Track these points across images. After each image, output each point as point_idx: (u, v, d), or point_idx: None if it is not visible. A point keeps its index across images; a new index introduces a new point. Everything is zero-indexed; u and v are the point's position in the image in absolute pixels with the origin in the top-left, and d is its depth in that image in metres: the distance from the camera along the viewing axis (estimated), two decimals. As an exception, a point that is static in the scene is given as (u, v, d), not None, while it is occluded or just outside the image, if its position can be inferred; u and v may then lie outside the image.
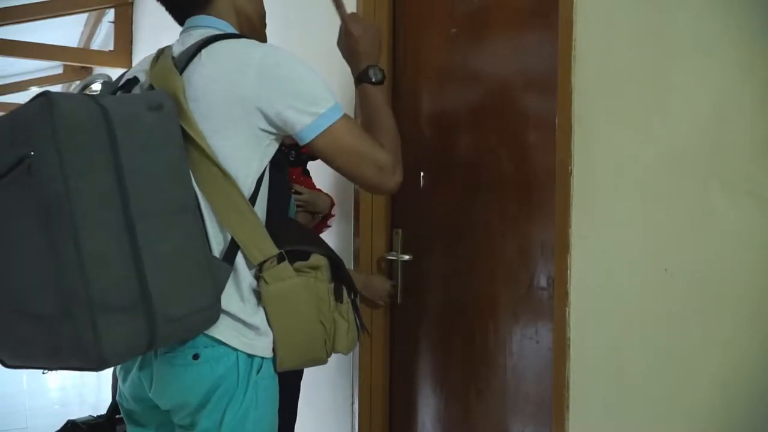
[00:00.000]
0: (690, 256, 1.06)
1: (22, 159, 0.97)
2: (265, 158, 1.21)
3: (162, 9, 1.34)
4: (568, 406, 1.25)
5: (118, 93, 1.24)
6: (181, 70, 1.17)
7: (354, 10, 1.93)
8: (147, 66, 1.25)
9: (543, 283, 1.42)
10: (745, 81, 0.98)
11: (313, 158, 1.36)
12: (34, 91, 6.61)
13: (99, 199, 0.99)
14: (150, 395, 1.24)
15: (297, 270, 1.21)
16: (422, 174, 1.81)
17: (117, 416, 1.41)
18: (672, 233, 1.08)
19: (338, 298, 1.27)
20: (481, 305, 1.60)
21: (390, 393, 1.96)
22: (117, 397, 1.36)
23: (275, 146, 1.23)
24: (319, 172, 1.95)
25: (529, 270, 1.46)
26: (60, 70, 6.89)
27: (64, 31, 5.83)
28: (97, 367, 0.99)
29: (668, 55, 1.09)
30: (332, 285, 1.26)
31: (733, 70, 1.00)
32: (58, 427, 1.55)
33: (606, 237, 1.19)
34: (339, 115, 1.19)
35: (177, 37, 1.30)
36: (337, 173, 1.26)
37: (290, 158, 1.81)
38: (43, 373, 1.15)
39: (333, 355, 1.29)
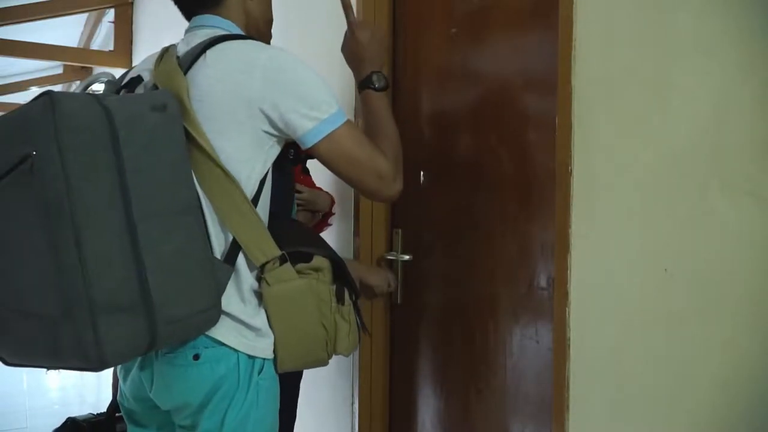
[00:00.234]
0: (690, 256, 1.06)
1: (25, 158, 0.97)
2: (268, 160, 1.21)
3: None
4: (568, 406, 1.25)
5: (122, 92, 1.24)
6: (186, 70, 1.17)
7: (354, 10, 1.93)
8: (151, 65, 1.24)
9: (543, 283, 1.42)
10: (745, 81, 0.99)
11: (312, 156, 1.36)
12: (34, 91, 6.61)
13: (101, 199, 0.99)
14: (150, 395, 1.24)
15: (299, 271, 1.21)
16: (422, 174, 1.81)
17: (117, 414, 1.41)
18: (672, 233, 1.08)
19: (340, 299, 1.26)
20: (481, 305, 1.60)
21: (390, 393, 1.96)
22: (118, 397, 1.36)
23: (278, 148, 1.22)
24: (319, 171, 1.95)
25: (529, 270, 1.46)
26: (60, 70, 6.90)
27: (64, 31, 5.84)
28: (98, 367, 0.99)
29: (668, 55, 1.09)
30: (334, 287, 1.26)
31: (733, 70, 1.00)
32: (59, 427, 1.56)
33: (606, 237, 1.19)
34: (342, 121, 1.19)
35: (178, 36, 1.29)
36: None
37: (289, 156, 1.81)
38: (46, 372, 1.14)
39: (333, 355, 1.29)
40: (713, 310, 1.03)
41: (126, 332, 1.00)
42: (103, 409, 1.55)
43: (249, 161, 1.18)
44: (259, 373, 1.20)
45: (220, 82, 1.16)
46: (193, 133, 1.13)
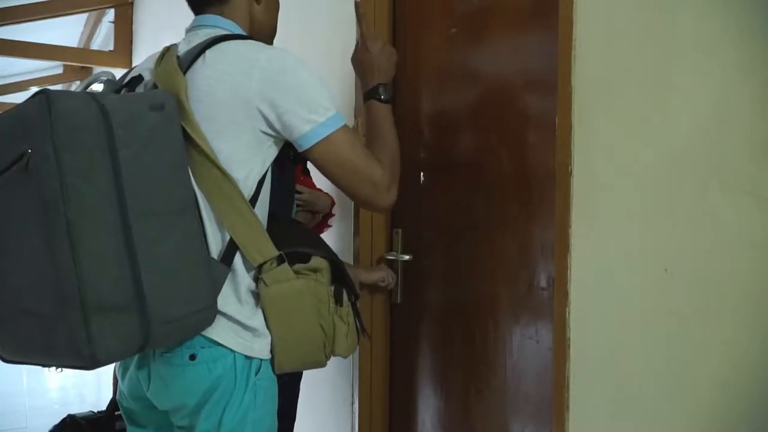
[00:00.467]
0: (690, 256, 1.06)
1: (21, 156, 0.98)
2: (266, 160, 1.21)
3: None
4: (568, 406, 1.25)
5: (123, 91, 1.24)
6: (185, 70, 1.17)
7: (354, 10, 1.93)
8: (152, 64, 1.24)
9: (543, 283, 1.42)
10: (745, 81, 0.98)
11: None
12: (34, 91, 6.59)
13: (96, 198, 0.99)
14: (148, 395, 1.23)
15: (297, 272, 1.21)
16: (422, 174, 1.81)
17: (117, 412, 1.41)
18: (672, 233, 1.08)
19: (338, 301, 1.26)
20: (481, 305, 1.60)
21: (390, 393, 1.96)
22: (117, 396, 1.36)
23: (277, 149, 1.22)
24: (319, 172, 1.95)
25: (529, 270, 1.46)
26: (60, 70, 6.89)
27: (64, 31, 5.84)
28: (90, 365, 0.99)
29: (668, 55, 1.09)
30: (332, 288, 1.26)
31: (733, 70, 1.00)
32: (59, 427, 1.56)
33: (606, 237, 1.19)
34: (339, 125, 1.18)
35: (178, 36, 1.29)
36: None
37: (290, 156, 1.81)
38: (52, 370, 1.15)
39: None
40: (713, 310, 1.03)
41: (119, 331, 1.00)
42: (103, 408, 1.56)
43: (247, 162, 1.18)
44: (257, 373, 1.20)
45: (219, 82, 1.15)
46: (192, 133, 1.13)
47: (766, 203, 0.96)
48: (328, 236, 1.96)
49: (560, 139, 1.26)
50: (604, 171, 1.20)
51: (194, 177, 1.15)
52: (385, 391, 1.96)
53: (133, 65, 1.34)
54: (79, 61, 5.96)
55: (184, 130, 1.12)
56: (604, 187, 1.20)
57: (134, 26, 5.39)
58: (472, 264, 1.63)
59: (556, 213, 1.28)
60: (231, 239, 1.17)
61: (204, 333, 1.16)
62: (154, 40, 4.18)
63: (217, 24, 1.26)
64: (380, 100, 1.34)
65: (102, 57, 5.65)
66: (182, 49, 1.23)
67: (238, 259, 1.19)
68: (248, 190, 1.19)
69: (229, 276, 1.18)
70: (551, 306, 1.32)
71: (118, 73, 1.22)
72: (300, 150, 1.20)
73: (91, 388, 4.80)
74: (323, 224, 1.97)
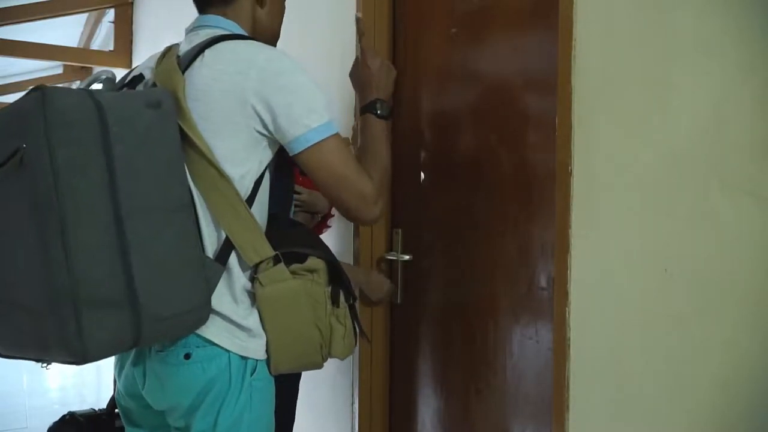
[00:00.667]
0: (690, 256, 1.06)
1: (16, 151, 0.98)
2: (263, 161, 1.21)
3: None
4: (568, 406, 1.25)
5: (124, 89, 1.24)
6: (184, 69, 1.17)
7: (354, 10, 1.93)
8: (153, 63, 1.25)
9: (543, 283, 1.42)
10: (745, 81, 0.98)
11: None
12: (34, 90, 6.58)
13: (89, 194, 0.99)
14: (143, 393, 1.23)
15: (293, 272, 1.20)
16: (422, 174, 1.81)
17: (116, 410, 1.41)
18: (672, 233, 1.08)
19: (335, 302, 1.25)
20: (481, 305, 1.60)
21: (390, 393, 1.96)
22: (115, 395, 1.36)
23: (273, 149, 1.22)
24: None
25: (529, 270, 1.46)
26: (60, 70, 6.89)
27: (64, 31, 5.84)
28: (80, 360, 0.99)
29: (668, 55, 1.09)
30: (329, 289, 1.25)
31: (733, 70, 1.00)
32: (59, 427, 1.56)
33: (606, 237, 1.19)
34: (331, 133, 1.18)
35: (178, 36, 1.30)
36: None
37: (288, 156, 1.81)
38: (45, 367, 1.15)
39: (332, 355, 1.28)
40: (713, 310, 1.03)
41: (110, 326, 1.00)
42: (104, 407, 1.56)
43: (244, 161, 1.18)
44: (252, 374, 1.20)
45: (217, 82, 1.16)
46: (189, 132, 1.13)
47: (766, 203, 0.96)
48: (327, 237, 1.96)
49: (560, 139, 1.26)
50: (604, 171, 1.20)
51: (191, 175, 1.15)
52: (385, 391, 1.96)
53: (134, 65, 1.34)
54: (79, 61, 5.96)
55: (181, 129, 1.12)
56: (604, 187, 1.20)
57: (134, 26, 5.39)
58: (472, 264, 1.63)
59: (556, 213, 1.28)
60: (227, 238, 1.17)
61: (199, 332, 1.16)
62: (154, 40, 4.18)
63: (219, 24, 1.26)
64: (377, 115, 1.34)
65: (102, 57, 5.65)
66: (183, 49, 1.23)
67: (233, 259, 1.18)
68: (245, 190, 1.19)
69: (225, 275, 1.18)
70: (551, 306, 1.32)
71: (119, 73, 1.22)
72: (291, 153, 1.19)
73: (92, 388, 4.80)
74: (323, 225, 1.97)
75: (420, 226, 1.84)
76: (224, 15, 1.27)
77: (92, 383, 4.84)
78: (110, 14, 5.53)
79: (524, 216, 1.48)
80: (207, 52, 1.18)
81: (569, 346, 1.25)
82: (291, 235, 1.28)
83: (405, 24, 1.90)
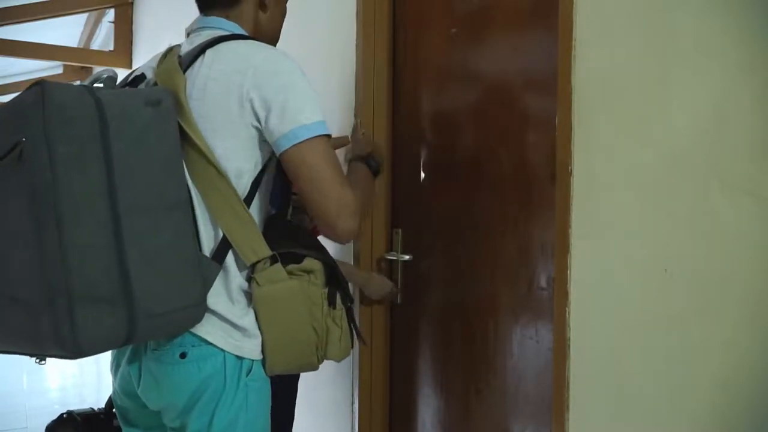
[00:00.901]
0: (690, 256, 1.06)
1: (15, 146, 0.98)
2: (261, 161, 1.21)
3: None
4: (568, 406, 1.25)
5: (125, 88, 1.25)
6: (185, 69, 1.17)
7: (354, 10, 1.94)
8: (155, 63, 1.26)
9: (543, 283, 1.42)
10: (745, 81, 0.98)
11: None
12: (34, 90, 6.58)
13: (86, 190, 0.99)
14: (138, 392, 1.23)
15: (290, 273, 1.20)
16: (422, 174, 1.81)
17: (114, 410, 1.41)
18: (672, 233, 1.08)
19: (332, 303, 1.24)
20: (481, 305, 1.60)
21: (390, 393, 1.96)
22: (112, 394, 1.35)
23: (271, 150, 1.22)
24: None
25: (529, 270, 1.46)
26: (60, 70, 6.88)
27: (64, 31, 5.83)
28: (73, 354, 0.99)
29: (668, 55, 1.09)
30: (326, 290, 1.24)
31: (733, 70, 1.00)
32: (58, 427, 1.56)
33: (606, 237, 1.19)
34: (320, 132, 1.16)
35: (178, 36, 1.30)
36: None
37: None
38: (39, 362, 1.15)
39: (332, 356, 1.28)
40: (713, 310, 1.03)
41: (104, 322, 1.00)
42: (103, 407, 1.56)
43: (242, 161, 1.18)
44: (248, 374, 1.19)
45: (217, 81, 1.16)
46: (188, 131, 1.13)
47: (766, 203, 0.96)
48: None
49: (560, 139, 1.26)
50: (604, 171, 1.19)
51: (190, 174, 1.15)
52: (385, 391, 1.96)
53: (134, 65, 1.34)
54: (79, 61, 5.96)
55: (181, 128, 1.13)
56: (604, 187, 1.20)
57: (134, 26, 5.39)
58: (472, 264, 1.63)
59: (556, 213, 1.28)
60: (224, 237, 1.17)
61: (194, 331, 1.15)
62: (154, 40, 4.18)
63: (220, 26, 1.26)
64: (368, 165, 1.39)
65: (102, 57, 5.64)
66: (184, 49, 1.24)
67: (230, 258, 1.18)
68: (243, 189, 1.19)
69: (221, 274, 1.18)
70: (551, 306, 1.32)
71: (119, 73, 1.22)
72: (278, 151, 1.17)
73: (91, 388, 4.80)
74: (323, 225, 1.97)
75: (420, 226, 1.84)
76: (226, 17, 1.28)
77: (92, 383, 4.84)
78: (110, 14, 5.53)
79: (524, 216, 1.48)
80: (208, 52, 1.18)
81: (569, 346, 1.25)
82: (288, 236, 1.28)
83: (405, 24, 1.90)
